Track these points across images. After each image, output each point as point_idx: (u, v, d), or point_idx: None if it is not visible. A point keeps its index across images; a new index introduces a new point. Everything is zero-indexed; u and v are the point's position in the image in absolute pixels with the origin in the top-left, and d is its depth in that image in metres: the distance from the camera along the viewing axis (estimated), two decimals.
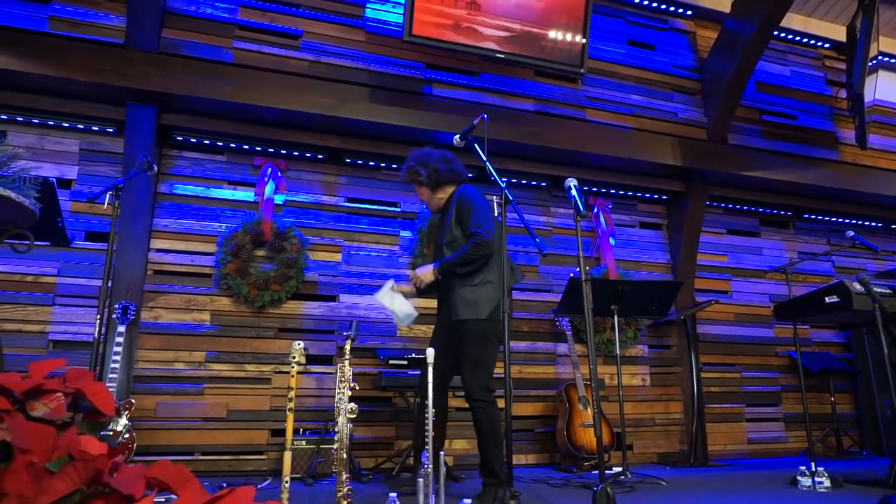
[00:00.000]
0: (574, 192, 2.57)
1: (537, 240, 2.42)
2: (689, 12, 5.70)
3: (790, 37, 6.08)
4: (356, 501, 2.83)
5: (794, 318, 3.84)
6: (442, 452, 2.35)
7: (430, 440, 2.30)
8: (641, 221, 5.48)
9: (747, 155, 5.40)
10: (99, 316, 2.81)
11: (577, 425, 4.22)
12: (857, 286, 3.38)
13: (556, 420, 4.51)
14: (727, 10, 5.30)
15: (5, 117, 3.95)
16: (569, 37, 4.81)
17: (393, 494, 2.11)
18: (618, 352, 3.99)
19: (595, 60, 5.20)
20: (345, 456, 2.48)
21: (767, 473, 4.03)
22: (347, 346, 2.61)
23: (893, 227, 6.28)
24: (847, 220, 6.09)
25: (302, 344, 2.57)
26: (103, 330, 2.93)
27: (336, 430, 2.53)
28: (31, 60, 3.70)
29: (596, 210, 5.22)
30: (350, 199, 4.65)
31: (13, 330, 3.75)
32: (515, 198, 2.84)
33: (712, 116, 5.36)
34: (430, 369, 2.39)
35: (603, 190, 5.28)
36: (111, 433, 3.22)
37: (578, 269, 2.81)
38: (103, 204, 3.83)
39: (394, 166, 4.72)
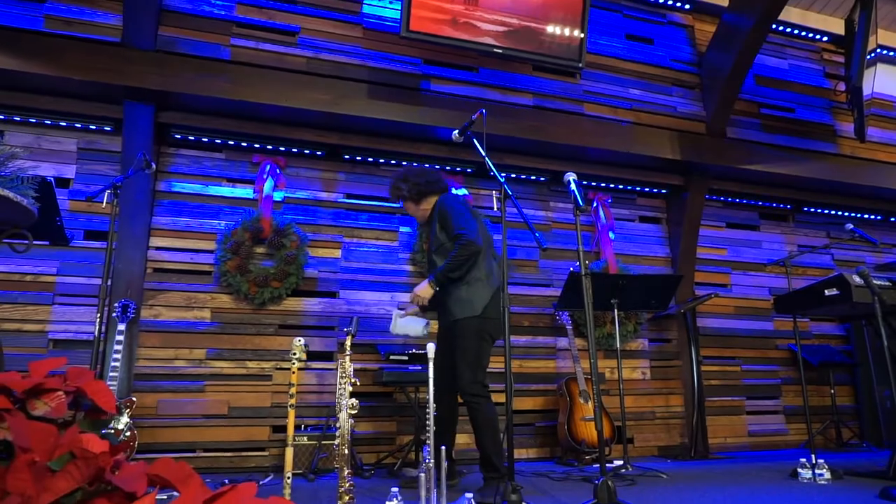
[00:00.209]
0: (573, 186, 2.56)
1: (537, 234, 2.42)
2: (686, 6, 5.69)
3: (788, 30, 6.07)
4: (358, 496, 2.83)
5: (794, 311, 3.85)
6: (443, 447, 2.36)
7: (430, 434, 2.30)
8: (641, 215, 5.48)
9: (746, 148, 5.40)
10: (99, 314, 2.81)
11: (577, 419, 4.23)
12: (857, 279, 3.39)
13: (556, 414, 4.52)
14: (725, 3, 5.28)
15: (2, 117, 3.94)
16: (567, 31, 4.80)
17: (395, 489, 2.12)
18: (618, 346, 3.99)
19: (593, 55, 5.20)
20: (346, 451, 2.48)
21: (768, 466, 4.04)
22: (348, 342, 2.61)
23: (892, 219, 6.29)
24: (846, 213, 6.09)
25: (303, 340, 2.58)
26: (103, 328, 2.93)
27: (337, 425, 2.53)
28: (27, 59, 3.69)
29: (595, 204, 5.22)
30: (349, 196, 4.65)
31: (13, 329, 3.75)
32: (515, 193, 2.85)
33: (711, 110, 5.35)
34: (430, 364, 2.41)
35: (602, 184, 5.28)
36: (112, 431, 3.23)
37: (578, 263, 2.81)
38: (102, 203, 3.85)
39: (392, 162, 4.71)
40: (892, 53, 6.40)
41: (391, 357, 3.97)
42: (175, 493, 1.02)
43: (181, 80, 3.98)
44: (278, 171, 4.42)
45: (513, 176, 5.00)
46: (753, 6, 4.81)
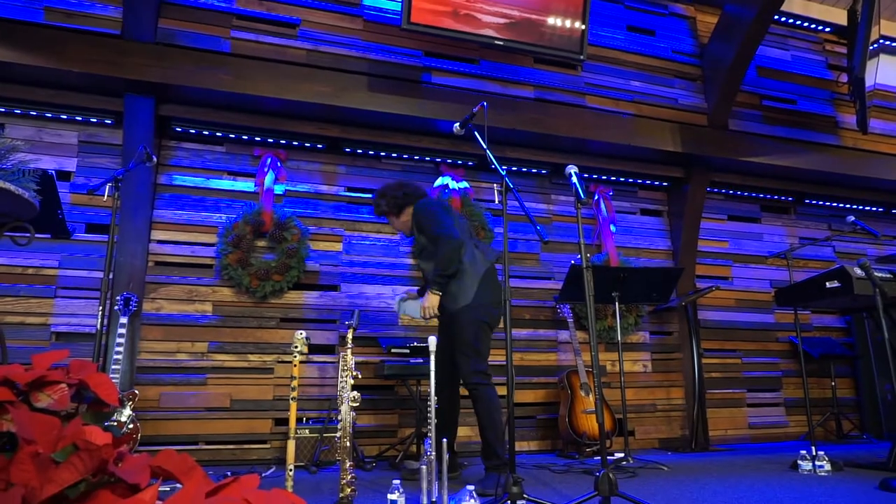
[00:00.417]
0: (575, 179, 2.56)
1: (538, 227, 2.42)
2: None
3: (791, 21, 6.03)
4: (360, 489, 2.85)
5: (795, 304, 3.85)
6: (444, 440, 2.37)
7: (432, 426, 2.31)
8: (642, 208, 5.47)
9: (748, 140, 5.38)
10: (101, 307, 2.82)
11: (578, 412, 4.25)
12: (858, 271, 3.38)
13: (558, 407, 4.53)
14: None
15: (3, 110, 3.93)
16: (568, 23, 4.77)
17: (397, 481, 2.13)
18: (619, 338, 3.99)
19: (595, 47, 5.17)
20: (348, 444, 2.50)
21: (768, 458, 4.05)
22: (349, 335, 2.62)
23: (894, 211, 6.27)
24: (848, 205, 6.08)
25: (304, 333, 2.58)
26: (105, 321, 2.93)
27: (339, 418, 2.54)
28: (27, 52, 3.68)
29: (596, 197, 5.21)
30: (350, 189, 4.65)
31: (16, 322, 3.76)
32: (516, 185, 2.85)
33: (713, 102, 5.33)
34: (432, 357, 2.42)
35: (603, 177, 5.27)
36: (115, 423, 3.24)
37: (579, 256, 2.81)
38: (103, 196, 3.84)
39: (393, 155, 4.71)
40: (894, 44, 6.36)
41: (392, 350, 3.97)
42: (178, 485, 1.02)
43: (181, 73, 3.97)
44: (279, 164, 4.42)
45: (514, 169, 4.99)
46: None
